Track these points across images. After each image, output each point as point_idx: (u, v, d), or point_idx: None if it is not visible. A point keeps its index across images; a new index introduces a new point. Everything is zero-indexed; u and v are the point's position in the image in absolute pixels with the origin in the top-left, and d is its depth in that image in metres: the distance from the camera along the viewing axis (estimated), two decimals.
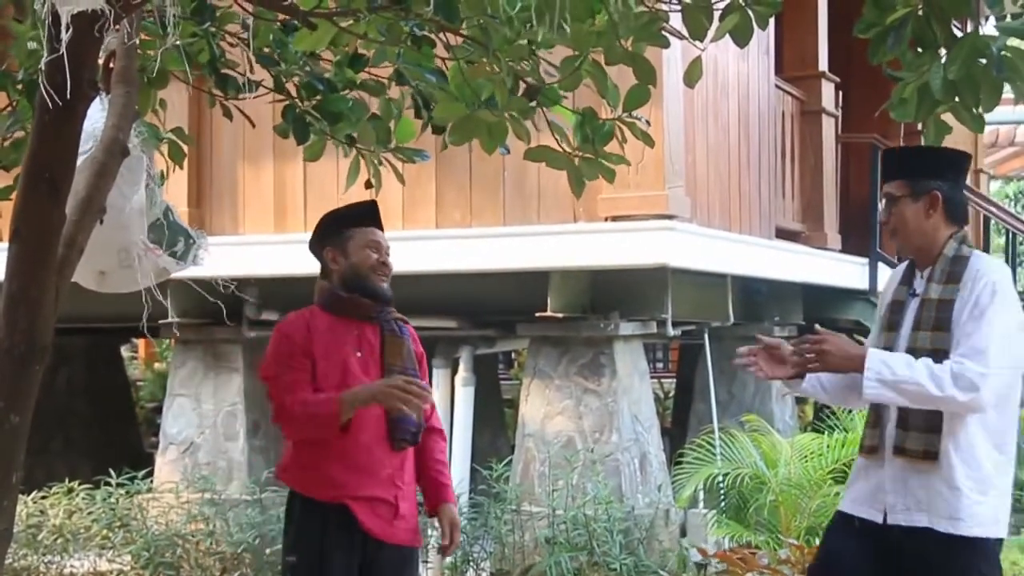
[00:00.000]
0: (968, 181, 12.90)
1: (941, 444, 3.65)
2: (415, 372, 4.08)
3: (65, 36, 2.67)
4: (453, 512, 4.16)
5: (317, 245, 4.19)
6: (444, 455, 4.25)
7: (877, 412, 3.81)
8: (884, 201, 3.85)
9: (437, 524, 4.27)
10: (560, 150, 3.41)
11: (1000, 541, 3.72)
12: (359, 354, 4.04)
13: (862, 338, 9.09)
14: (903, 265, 3.99)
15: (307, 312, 4.11)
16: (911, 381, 3.57)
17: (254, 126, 4.38)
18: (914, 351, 3.68)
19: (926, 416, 3.66)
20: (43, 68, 2.77)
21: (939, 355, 3.63)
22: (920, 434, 3.68)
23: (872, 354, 3.65)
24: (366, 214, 4.16)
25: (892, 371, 3.59)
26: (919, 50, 2.89)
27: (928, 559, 3.68)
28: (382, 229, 4.18)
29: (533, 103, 3.30)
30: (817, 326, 3.83)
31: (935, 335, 3.67)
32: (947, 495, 3.63)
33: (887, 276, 10.61)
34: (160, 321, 7.92)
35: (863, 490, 3.83)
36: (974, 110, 2.90)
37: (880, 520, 3.74)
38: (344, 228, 4.12)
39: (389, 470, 4.00)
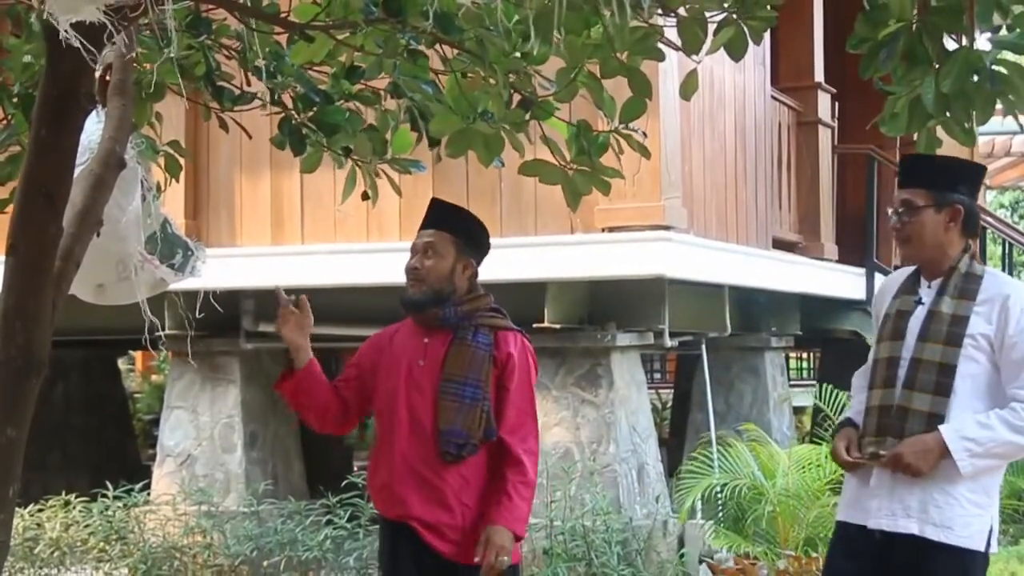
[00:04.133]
0: None
1: None
2: (475, 383, 3.90)
3: (64, 49, 2.66)
4: (492, 532, 3.84)
5: None
6: (511, 485, 3.91)
7: (878, 422, 3.80)
8: (900, 206, 3.77)
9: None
10: (555, 163, 3.41)
11: (987, 557, 3.71)
12: (422, 363, 3.97)
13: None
14: (902, 272, 3.94)
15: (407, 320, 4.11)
16: (997, 442, 3.59)
17: (251, 138, 4.37)
18: (919, 361, 3.68)
19: (925, 423, 3.65)
20: (41, 82, 2.76)
21: (946, 369, 3.63)
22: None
23: (948, 436, 3.61)
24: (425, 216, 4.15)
25: (975, 442, 3.60)
26: (911, 64, 2.89)
27: (915, 567, 3.67)
28: (435, 226, 4.06)
29: (527, 115, 3.30)
30: (880, 452, 3.69)
31: (946, 350, 3.65)
32: (941, 502, 3.63)
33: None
34: (158, 333, 7.91)
35: (850, 495, 3.84)
36: (966, 124, 2.90)
37: (864, 523, 3.74)
38: None
39: (453, 488, 3.88)
